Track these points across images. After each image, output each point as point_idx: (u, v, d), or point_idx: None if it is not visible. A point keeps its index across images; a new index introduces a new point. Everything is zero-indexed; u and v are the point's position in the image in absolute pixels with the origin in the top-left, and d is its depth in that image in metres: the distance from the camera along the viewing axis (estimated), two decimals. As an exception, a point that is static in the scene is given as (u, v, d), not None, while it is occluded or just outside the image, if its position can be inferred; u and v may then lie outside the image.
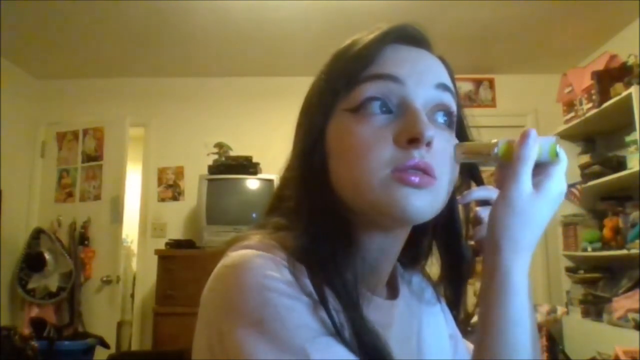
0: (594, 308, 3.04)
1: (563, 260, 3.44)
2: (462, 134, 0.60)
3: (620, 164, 2.93)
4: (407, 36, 0.56)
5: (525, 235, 0.50)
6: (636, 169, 2.68)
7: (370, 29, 0.57)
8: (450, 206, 0.59)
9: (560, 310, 2.97)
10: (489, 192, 0.60)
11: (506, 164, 0.53)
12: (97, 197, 3.69)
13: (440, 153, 0.52)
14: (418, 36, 0.57)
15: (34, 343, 2.95)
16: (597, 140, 3.35)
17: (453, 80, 0.58)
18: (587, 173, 3.19)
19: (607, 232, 3.03)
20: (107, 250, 3.57)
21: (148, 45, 3.46)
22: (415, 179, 0.49)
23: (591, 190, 3.22)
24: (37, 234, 3.59)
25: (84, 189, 3.76)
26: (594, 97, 3.02)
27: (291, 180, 0.56)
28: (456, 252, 0.64)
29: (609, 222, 3.04)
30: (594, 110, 3.00)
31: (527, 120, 3.91)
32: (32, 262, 3.50)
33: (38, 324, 3.19)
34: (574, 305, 3.25)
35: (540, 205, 0.50)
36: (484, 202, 0.61)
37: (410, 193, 0.49)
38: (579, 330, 3.15)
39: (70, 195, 3.80)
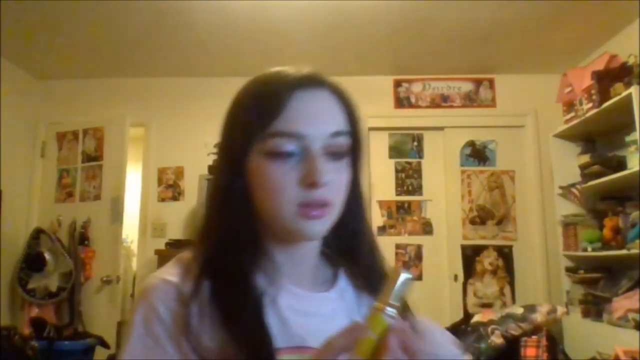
0: (594, 308, 3.04)
1: (563, 260, 3.44)
2: (356, 150, 0.70)
3: (620, 164, 2.93)
4: (309, 82, 0.67)
5: None
6: (636, 169, 2.68)
7: (279, 72, 0.68)
8: (354, 215, 0.73)
9: (560, 310, 2.97)
10: None
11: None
12: (97, 197, 3.69)
13: (335, 184, 0.65)
14: (318, 81, 0.68)
15: (34, 343, 2.96)
16: (597, 140, 3.35)
17: (350, 109, 0.69)
18: (587, 173, 3.19)
19: (607, 232, 3.03)
20: (107, 250, 3.57)
21: (148, 45, 3.46)
22: (316, 212, 0.64)
23: (591, 190, 3.22)
24: (37, 234, 3.59)
25: (84, 189, 3.76)
26: (594, 97, 3.02)
27: (213, 205, 0.70)
28: (361, 250, 0.75)
29: (609, 222, 3.04)
30: (594, 110, 3.00)
31: (527, 120, 3.91)
32: (32, 262, 3.51)
33: (38, 324, 3.18)
34: (574, 305, 3.25)
35: None
36: None
37: (312, 224, 0.64)
38: (579, 330, 3.15)
39: (70, 195, 3.80)
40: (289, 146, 0.63)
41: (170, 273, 0.64)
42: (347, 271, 0.75)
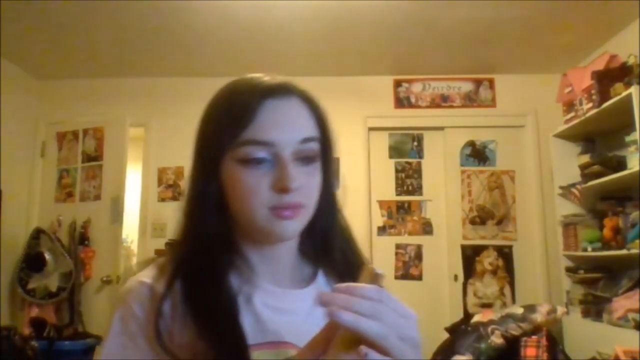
0: (594, 308, 3.04)
1: (563, 260, 3.44)
2: (326, 153, 0.73)
3: (620, 164, 2.93)
4: (279, 91, 0.68)
5: None
6: (636, 169, 2.68)
7: (250, 80, 0.70)
8: (327, 215, 0.75)
9: (560, 310, 2.97)
10: None
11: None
12: (97, 197, 3.69)
13: (307, 187, 0.68)
14: (288, 89, 0.70)
15: (34, 343, 2.96)
16: (597, 140, 3.35)
17: (319, 116, 0.72)
18: (587, 173, 3.19)
19: (607, 232, 3.03)
20: (107, 250, 3.57)
21: (148, 45, 3.46)
22: (288, 213, 0.66)
23: (591, 190, 3.22)
24: (37, 234, 3.59)
25: (84, 189, 3.76)
26: (594, 97, 3.02)
27: (188, 208, 0.72)
28: (335, 247, 0.77)
29: (609, 222, 3.04)
30: (594, 110, 3.00)
31: (527, 120, 3.91)
32: (32, 262, 3.50)
33: (38, 324, 3.19)
34: (574, 305, 3.25)
35: None
36: None
37: (285, 224, 0.67)
38: (579, 330, 3.15)
39: (70, 195, 3.80)
40: (260, 153, 0.66)
41: (146, 275, 0.68)
42: (326, 269, 0.77)
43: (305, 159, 0.68)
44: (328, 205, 0.75)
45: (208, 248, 0.68)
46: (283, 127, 0.67)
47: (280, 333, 0.65)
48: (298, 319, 0.69)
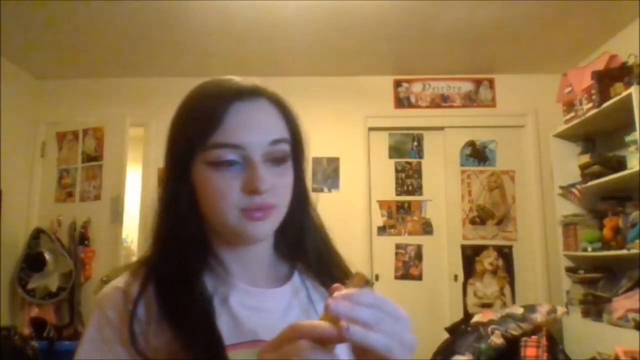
0: (594, 308, 3.04)
1: (563, 260, 3.44)
2: (297, 153, 0.73)
3: (620, 164, 2.92)
4: (247, 93, 0.69)
5: None
6: (636, 169, 2.67)
7: (219, 83, 0.71)
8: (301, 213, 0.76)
9: (560, 310, 2.97)
10: None
11: None
12: (97, 197, 3.69)
13: (278, 188, 0.68)
14: (256, 91, 0.70)
15: (34, 343, 2.96)
16: (597, 140, 3.35)
17: (289, 117, 0.72)
18: (587, 173, 3.19)
19: (607, 232, 3.03)
20: (107, 250, 3.57)
21: (148, 45, 3.46)
22: (259, 214, 0.67)
23: (591, 190, 3.22)
24: (37, 234, 3.59)
25: (84, 189, 3.76)
26: (594, 97, 3.02)
27: (161, 210, 0.72)
28: (308, 246, 0.77)
29: (609, 222, 3.04)
30: (594, 110, 3.00)
31: (527, 120, 3.91)
32: (32, 262, 3.50)
33: (38, 324, 3.19)
34: (574, 305, 3.25)
35: None
36: None
37: (257, 225, 0.67)
38: (579, 330, 3.15)
39: (70, 195, 3.80)
40: (230, 155, 0.66)
41: (120, 281, 0.69)
42: (302, 267, 0.78)
43: (275, 160, 0.68)
44: (300, 204, 0.76)
45: (180, 250, 0.68)
46: (252, 130, 0.67)
47: (257, 332, 0.66)
48: (274, 318, 0.69)
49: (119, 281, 0.69)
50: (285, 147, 0.70)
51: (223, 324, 0.64)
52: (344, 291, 0.52)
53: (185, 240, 0.69)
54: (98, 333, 0.65)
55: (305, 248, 0.77)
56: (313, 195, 0.79)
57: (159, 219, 0.72)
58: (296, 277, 0.77)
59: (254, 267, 0.74)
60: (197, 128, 0.67)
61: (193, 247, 0.69)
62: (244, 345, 0.64)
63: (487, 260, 3.80)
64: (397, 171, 3.96)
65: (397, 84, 4.03)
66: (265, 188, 0.66)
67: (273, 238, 0.76)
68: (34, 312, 3.44)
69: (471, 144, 3.94)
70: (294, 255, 0.78)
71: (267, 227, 0.69)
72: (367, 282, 0.53)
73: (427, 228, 3.89)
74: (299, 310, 0.73)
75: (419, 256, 3.85)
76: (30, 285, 3.48)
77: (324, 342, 0.49)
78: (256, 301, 0.70)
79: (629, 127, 2.75)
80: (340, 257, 0.81)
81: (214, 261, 0.71)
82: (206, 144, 0.66)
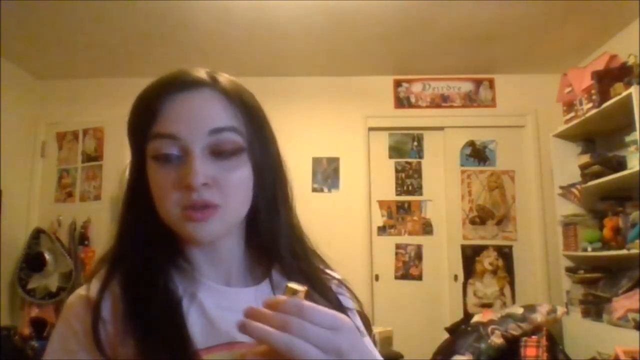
0: (594, 308, 3.04)
1: (563, 260, 3.44)
2: (261, 140, 0.69)
3: (620, 164, 2.92)
4: (185, 84, 0.66)
5: None
6: (636, 169, 2.68)
7: (163, 75, 0.68)
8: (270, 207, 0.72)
9: (560, 310, 2.97)
10: None
11: None
12: (97, 197, 3.69)
13: (221, 184, 0.63)
14: (196, 81, 0.66)
15: (34, 343, 2.96)
16: (597, 140, 3.35)
17: (241, 105, 0.67)
18: (587, 173, 3.19)
19: (607, 232, 3.03)
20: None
21: (148, 45, 3.46)
22: (198, 214, 0.62)
23: (591, 190, 3.22)
24: (37, 234, 3.59)
25: (84, 189, 3.76)
26: (594, 97, 3.02)
27: (121, 208, 0.72)
28: (281, 245, 0.73)
29: (609, 222, 3.04)
30: (594, 110, 3.00)
31: (527, 120, 3.91)
32: (32, 262, 3.50)
33: (38, 324, 3.19)
34: (574, 305, 3.25)
35: None
36: None
37: (197, 226, 0.63)
38: (579, 330, 3.15)
39: (70, 195, 3.80)
40: (170, 148, 0.63)
41: (84, 287, 0.67)
42: (279, 267, 0.74)
43: (222, 153, 0.64)
44: (268, 203, 0.71)
45: (141, 248, 0.67)
46: (188, 119, 0.64)
47: (232, 333, 0.62)
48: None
49: (83, 288, 0.67)
50: (235, 138, 0.65)
51: (198, 326, 0.62)
52: (270, 300, 0.52)
53: (145, 239, 0.67)
54: (61, 344, 0.63)
55: (278, 248, 0.73)
56: (290, 193, 0.75)
57: (119, 216, 0.71)
58: (274, 277, 0.74)
59: (225, 266, 0.71)
60: (138, 120, 0.66)
61: (154, 245, 0.67)
62: (220, 348, 0.62)
63: (487, 260, 3.80)
64: (397, 171, 3.96)
65: (397, 84, 4.03)
66: (201, 182, 0.61)
67: (242, 237, 0.72)
68: (34, 312, 3.44)
69: (471, 144, 3.94)
70: (269, 255, 0.74)
71: (210, 229, 0.64)
72: (296, 292, 0.53)
73: (427, 228, 3.89)
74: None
75: (419, 256, 3.85)
76: (30, 285, 3.48)
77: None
78: (231, 301, 0.67)
79: (629, 127, 2.75)
80: (318, 256, 0.78)
81: (182, 261, 0.68)
82: (147, 136, 0.64)
